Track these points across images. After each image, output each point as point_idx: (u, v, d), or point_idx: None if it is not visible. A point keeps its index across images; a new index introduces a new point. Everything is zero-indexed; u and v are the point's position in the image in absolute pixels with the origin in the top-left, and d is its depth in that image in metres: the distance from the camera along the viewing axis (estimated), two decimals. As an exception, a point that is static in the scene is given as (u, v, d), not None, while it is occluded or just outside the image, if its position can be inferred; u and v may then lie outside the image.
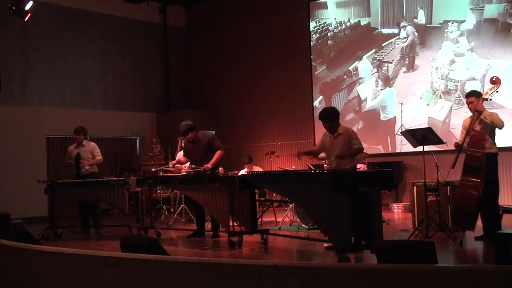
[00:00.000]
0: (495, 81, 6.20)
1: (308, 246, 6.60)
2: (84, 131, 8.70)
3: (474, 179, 5.90)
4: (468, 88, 9.47)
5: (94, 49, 12.54)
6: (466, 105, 6.51)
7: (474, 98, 6.24)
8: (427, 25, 10.41)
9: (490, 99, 6.30)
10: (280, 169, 9.61)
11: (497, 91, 6.20)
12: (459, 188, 6.06)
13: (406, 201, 9.97)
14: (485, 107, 6.33)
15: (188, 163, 8.03)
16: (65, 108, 11.82)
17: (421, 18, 10.48)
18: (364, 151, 9.54)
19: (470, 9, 9.89)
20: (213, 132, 12.34)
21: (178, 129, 7.78)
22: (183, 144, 8.58)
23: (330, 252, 5.89)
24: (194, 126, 7.68)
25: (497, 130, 6.22)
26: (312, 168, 8.49)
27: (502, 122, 6.14)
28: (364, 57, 11.25)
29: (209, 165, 7.39)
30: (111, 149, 12.65)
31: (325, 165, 7.63)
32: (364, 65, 11.26)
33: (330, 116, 6.20)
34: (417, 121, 10.10)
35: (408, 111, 10.47)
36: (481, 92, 6.78)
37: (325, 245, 6.04)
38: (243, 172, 9.19)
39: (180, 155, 8.99)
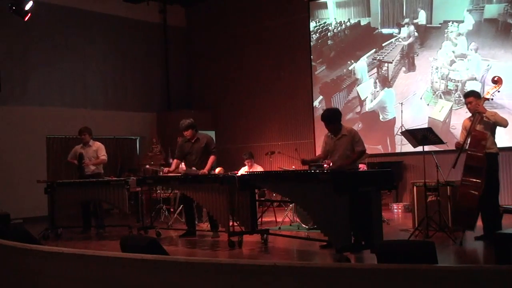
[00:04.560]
0: (497, 81, 6.20)
1: (308, 246, 6.60)
2: (88, 131, 8.70)
3: (475, 179, 5.90)
4: (469, 88, 9.47)
5: (94, 49, 12.55)
6: (465, 105, 6.51)
7: (472, 98, 6.24)
8: (427, 25, 10.41)
9: (492, 99, 6.30)
10: (280, 169, 9.62)
11: (498, 91, 6.19)
12: (460, 188, 6.06)
13: (406, 201, 9.97)
14: (486, 106, 6.33)
15: (181, 164, 8.00)
16: (65, 108, 11.83)
17: (421, 18, 10.48)
18: (364, 151, 9.59)
19: (470, 9, 9.89)
20: (213, 133, 12.40)
21: (178, 129, 7.79)
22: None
23: (328, 251, 5.90)
24: (195, 125, 7.69)
25: (497, 129, 6.21)
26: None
27: (506, 120, 6.14)
28: (360, 58, 11.25)
29: (205, 171, 7.40)
30: (111, 149, 12.62)
31: (324, 165, 7.63)
32: (360, 66, 11.27)
33: (334, 118, 6.13)
34: (417, 121, 10.11)
35: (408, 111, 10.47)
36: (480, 92, 6.78)
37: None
38: (242, 171, 9.20)
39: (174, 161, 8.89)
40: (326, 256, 5.90)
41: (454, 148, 6.43)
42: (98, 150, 8.66)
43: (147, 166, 9.89)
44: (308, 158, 6.89)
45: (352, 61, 11.40)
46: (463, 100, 9.26)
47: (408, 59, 10.66)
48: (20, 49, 11.29)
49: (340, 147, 6.12)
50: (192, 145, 7.69)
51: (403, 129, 9.26)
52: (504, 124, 6.12)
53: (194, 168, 7.44)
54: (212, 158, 7.56)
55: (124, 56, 13.09)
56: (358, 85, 11.32)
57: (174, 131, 11.43)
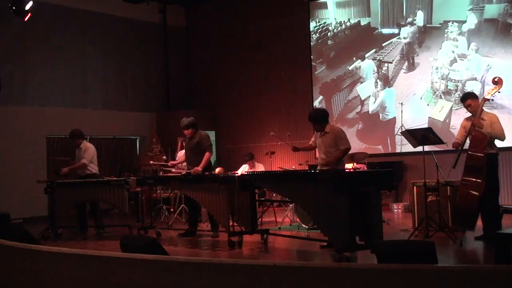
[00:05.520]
0: (497, 82, 6.19)
1: (308, 246, 6.60)
2: (76, 135, 8.43)
3: (475, 179, 5.90)
4: (469, 88, 9.48)
5: (94, 49, 12.55)
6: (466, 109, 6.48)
7: (470, 100, 6.24)
8: (427, 25, 10.41)
9: (492, 100, 6.30)
10: (280, 169, 9.62)
11: (499, 92, 6.19)
12: (460, 188, 6.06)
13: (406, 201, 9.96)
14: (485, 107, 6.32)
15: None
16: (65, 108, 11.82)
17: (421, 18, 10.48)
18: (364, 151, 9.61)
19: (470, 9, 9.88)
20: (213, 133, 12.40)
21: (178, 129, 7.80)
22: (183, 143, 8.61)
23: (328, 251, 5.90)
24: (195, 123, 7.62)
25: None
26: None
27: (504, 134, 6.13)
28: (367, 56, 11.24)
29: (199, 168, 7.26)
30: (111, 149, 12.65)
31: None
32: (367, 65, 11.25)
33: (317, 117, 6.34)
34: (417, 121, 10.10)
35: (408, 111, 10.47)
36: (480, 92, 6.77)
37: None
38: (242, 169, 9.21)
39: (180, 154, 9.01)
40: (326, 256, 5.90)
41: (452, 148, 6.42)
42: (83, 152, 8.39)
43: (151, 162, 10.03)
44: (299, 146, 6.98)
45: (354, 60, 11.40)
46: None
47: (408, 59, 10.66)
48: (20, 49, 11.28)
49: (323, 144, 6.28)
50: (188, 142, 7.71)
51: (403, 129, 9.25)
52: (502, 138, 6.12)
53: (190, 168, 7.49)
54: (206, 155, 7.39)
55: (124, 56, 13.08)
56: (360, 84, 11.31)
57: (174, 131, 11.43)
